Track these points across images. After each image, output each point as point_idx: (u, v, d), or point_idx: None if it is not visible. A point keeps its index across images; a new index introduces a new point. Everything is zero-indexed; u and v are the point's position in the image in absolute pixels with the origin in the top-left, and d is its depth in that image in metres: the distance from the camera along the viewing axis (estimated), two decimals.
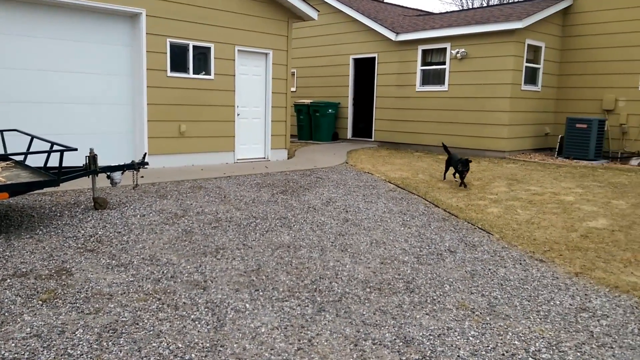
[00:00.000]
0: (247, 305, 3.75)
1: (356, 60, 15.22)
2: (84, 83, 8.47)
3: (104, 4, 8.25)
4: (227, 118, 10.20)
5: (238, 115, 10.45)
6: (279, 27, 10.86)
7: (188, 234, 5.41)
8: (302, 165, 10.29)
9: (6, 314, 3.40)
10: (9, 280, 3.95)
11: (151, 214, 6.10)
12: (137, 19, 8.81)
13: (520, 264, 4.86)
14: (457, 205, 7.11)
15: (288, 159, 11.41)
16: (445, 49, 12.95)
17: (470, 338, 3.35)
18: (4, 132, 6.19)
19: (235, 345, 3.16)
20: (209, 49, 9.77)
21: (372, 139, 14.79)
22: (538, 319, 3.67)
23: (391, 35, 13.72)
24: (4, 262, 4.34)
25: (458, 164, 8.32)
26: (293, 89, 16.54)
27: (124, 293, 3.83)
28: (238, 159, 10.60)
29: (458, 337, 3.36)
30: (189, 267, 4.47)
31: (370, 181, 8.72)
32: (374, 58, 14.56)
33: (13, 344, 3.02)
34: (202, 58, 9.79)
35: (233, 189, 7.76)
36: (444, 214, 6.69)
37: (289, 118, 11.48)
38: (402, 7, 19.63)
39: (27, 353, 2.93)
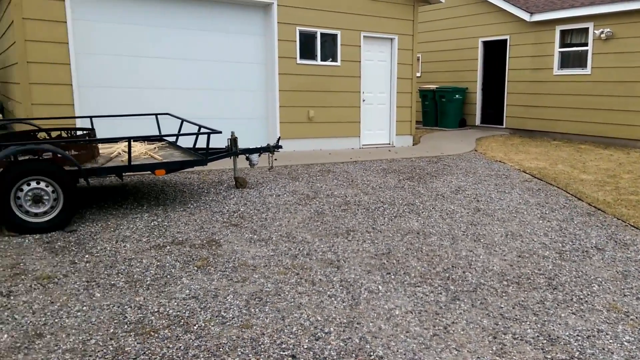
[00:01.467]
0: (380, 287, 3.81)
1: (485, 43, 14.49)
2: (222, 71, 9.10)
3: None
4: (352, 104, 10.33)
5: (363, 101, 10.53)
6: (404, 11, 10.70)
7: (320, 215, 5.62)
8: (428, 152, 10.12)
9: (168, 276, 3.82)
10: (168, 247, 4.42)
11: (285, 195, 6.41)
12: (270, 9, 9.22)
13: None
14: (605, 199, 6.53)
15: (413, 145, 11.28)
16: (587, 29, 11.83)
17: (625, 343, 3.10)
18: (158, 116, 6.88)
19: (370, 324, 3.24)
20: (335, 35, 9.94)
21: (503, 126, 14.05)
22: None
23: (525, 16, 12.85)
24: (164, 231, 4.86)
25: None
26: (418, 74, 16.23)
27: (266, 266, 4.10)
28: (363, 145, 10.71)
29: (610, 341, 3.12)
30: (322, 246, 4.64)
31: (503, 170, 8.32)
32: (505, 40, 13.75)
33: (175, 303, 3.39)
34: (329, 45, 9.99)
35: (360, 174, 7.87)
36: (588, 208, 6.19)
37: (414, 104, 11.32)
38: None
39: (187, 312, 3.27)
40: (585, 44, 11.93)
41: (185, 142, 6.54)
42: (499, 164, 8.91)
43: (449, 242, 4.87)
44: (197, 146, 6.30)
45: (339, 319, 3.30)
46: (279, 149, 7.06)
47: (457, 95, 14.50)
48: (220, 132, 5.98)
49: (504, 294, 3.75)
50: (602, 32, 11.42)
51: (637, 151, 10.55)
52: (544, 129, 12.94)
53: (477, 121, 14.81)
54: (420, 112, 15.43)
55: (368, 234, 5.05)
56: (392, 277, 4.02)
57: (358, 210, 5.89)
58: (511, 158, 9.46)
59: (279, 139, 7.18)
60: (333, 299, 3.58)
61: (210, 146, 6.17)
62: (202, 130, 5.99)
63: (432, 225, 5.37)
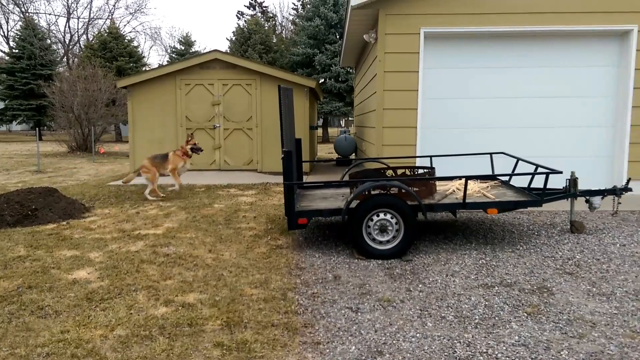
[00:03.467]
0: None
1: None
2: (564, 106, 8.60)
3: (589, 26, 8.15)
4: None
5: None
6: None
7: None
8: None
9: (496, 318, 3.84)
10: (496, 288, 4.44)
11: (632, 245, 5.59)
12: (627, 37, 8.25)
13: None
14: None
15: None
16: None
17: None
18: (492, 155, 7.00)
19: None
20: None
21: None
22: None
23: None
24: (492, 270, 4.91)
25: None
26: None
27: (608, 324, 3.67)
28: None
29: None
30: None
31: None
32: None
33: (504, 347, 3.38)
34: None
35: None
36: None
37: None
38: None
39: (517, 359, 3.22)
40: None
41: (518, 181, 6.45)
42: None
43: None
44: (531, 186, 6.14)
45: None
46: (628, 192, 6.21)
47: None
48: (561, 172, 5.66)
49: None
50: None
51: None
52: None
53: None
54: None
55: None
56: None
57: None
58: None
59: (628, 181, 6.31)
60: None
61: (538, 186, 5.91)
62: (540, 170, 5.82)
63: None
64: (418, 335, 3.57)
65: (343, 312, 3.98)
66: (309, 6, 31.12)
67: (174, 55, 39.17)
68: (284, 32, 48.59)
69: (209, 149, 12.27)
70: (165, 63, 42.81)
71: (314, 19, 28.71)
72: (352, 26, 9.83)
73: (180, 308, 4.02)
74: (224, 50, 15.44)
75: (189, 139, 9.07)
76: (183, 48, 38.56)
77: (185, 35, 39.01)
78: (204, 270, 4.95)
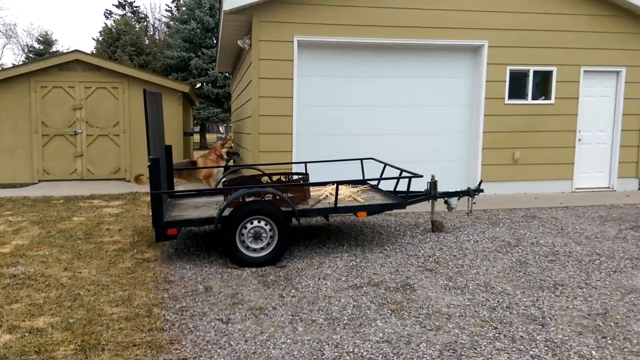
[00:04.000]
0: (593, 352, 3.38)
1: None
2: (428, 115, 9.25)
3: (447, 40, 8.87)
4: (565, 144, 9.47)
5: (579, 140, 9.58)
6: (633, 40, 9.50)
7: (522, 265, 5.24)
8: None
9: (363, 317, 3.98)
10: (364, 288, 4.61)
11: (484, 241, 6.16)
12: (479, 51, 9.13)
13: None
14: None
15: (639, 189, 9.79)
16: None
17: None
18: (363, 160, 7.31)
19: None
20: (550, 72, 9.32)
21: None
22: None
23: None
24: (361, 271, 5.10)
25: None
26: None
27: (461, 316, 3.98)
28: (576, 188, 9.67)
29: None
30: (524, 299, 4.32)
31: None
32: None
33: (369, 345, 3.51)
34: (542, 82, 9.41)
35: (571, 221, 7.13)
36: None
37: None
38: None
39: (381, 356, 3.35)
40: None
41: (387, 185, 6.80)
42: None
43: None
44: (397, 189, 6.50)
45: None
46: (480, 193, 6.84)
47: None
48: (422, 177, 6.08)
49: None
50: None
51: None
52: None
53: None
54: None
55: (580, 290, 4.53)
56: (609, 342, 3.53)
57: (568, 262, 5.33)
58: None
59: (480, 182, 6.97)
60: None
61: (410, 189, 6.31)
62: (404, 174, 6.17)
63: None
64: (288, 341, 3.56)
65: (213, 324, 3.85)
66: (183, 9, 30.19)
67: (31, 55, 35.62)
68: (157, 34, 46.57)
69: (70, 157, 11.28)
70: (21, 63, 38.71)
71: (189, 22, 27.89)
72: (226, 31, 9.68)
73: (27, 334, 3.60)
74: (87, 52, 14.33)
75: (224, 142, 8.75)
76: (42, 47, 35.22)
77: (44, 33, 35.71)
78: (58, 290, 4.50)
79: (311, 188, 6.55)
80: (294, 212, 5.39)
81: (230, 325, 3.84)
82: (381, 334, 3.67)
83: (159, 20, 48.34)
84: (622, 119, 9.66)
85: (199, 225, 5.45)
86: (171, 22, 37.12)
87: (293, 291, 4.55)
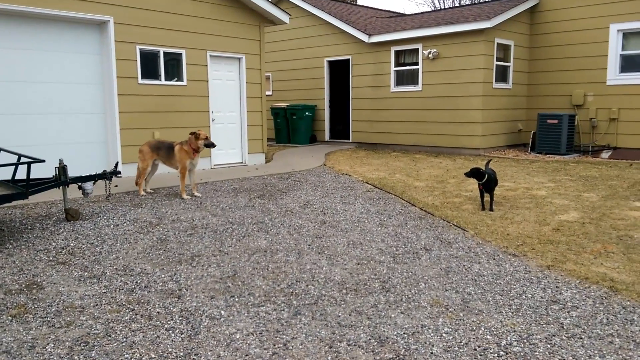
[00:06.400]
0: (223, 312, 3.73)
1: (331, 63, 15.27)
2: (53, 93, 8.33)
3: (68, 12, 8.13)
4: (201, 124, 10.13)
5: (213, 120, 10.40)
6: (251, 31, 10.84)
7: (163, 243, 5.36)
8: (280, 169, 10.28)
9: None
10: None
11: (125, 224, 6.02)
12: (105, 27, 8.70)
13: (494, 259, 4.93)
14: (433, 203, 7.19)
15: (266, 162, 11.39)
16: (417, 49, 13.08)
17: (444, 335, 3.39)
18: None
19: (209, 353, 3.14)
20: (180, 55, 9.71)
21: (350, 141, 14.85)
22: (510, 313, 3.73)
23: (364, 37, 13.81)
24: None
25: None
26: (269, 93, 16.52)
27: (96, 305, 3.78)
28: (215, 165, 10.54)
29: (432, 335, 3.39)
30: (163, 276, 4.42)
31: (348, 182, 8.75)
32: (348, 60, 14.63)
33: None
34: (174, 64, 9.72)
35: (209, 195, 7.71)
36: (420, 212, 6.75)
37: (265, 122, 11.46)
38: (374, 9, 19.78)
39: None
40: (417, 63, 13.16)
41: (5, 173, 5.83)
42: (345, 176, 9.36)
43: (294, 257, 4.95)
44: (16, 178, 5.65)
45: (176, 352, 3.14)
46: (119, 175, 6.62)
47: (307, 113, 15.01)
48: (44, 161, 5.43)
49: (342, 302, 3.90)
50: (429, 52, 12.69)
51: (462, 158, 11.84)
52: (385, 141, 13.95)
53: (327, 137, 15.48)
54: (273, 130, 15.69)
55: (214, 258, 4.93)
56: (236, 299, 3.96)
57: (205, 233, 5.74)
58: (356, 170, 10.01)
59: (117, 164, 6.72)
60: (171, 332, 3.41)
61: (38, 176, 5.57)
62: (23, 159, 5.39)
63: (279, 242, 5.43)
64: None
65: None
66: None
67: None
68: None
69: None
70: None
71: None
72: None
73: None
74: None
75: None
76: None
77: None
78: None
79: None
80: None
81: None
82: None
83: None
84: (247, 101, 10.96)
85: None
86: None
87: None
